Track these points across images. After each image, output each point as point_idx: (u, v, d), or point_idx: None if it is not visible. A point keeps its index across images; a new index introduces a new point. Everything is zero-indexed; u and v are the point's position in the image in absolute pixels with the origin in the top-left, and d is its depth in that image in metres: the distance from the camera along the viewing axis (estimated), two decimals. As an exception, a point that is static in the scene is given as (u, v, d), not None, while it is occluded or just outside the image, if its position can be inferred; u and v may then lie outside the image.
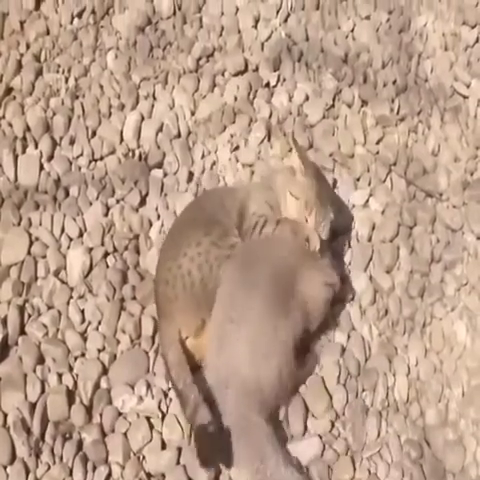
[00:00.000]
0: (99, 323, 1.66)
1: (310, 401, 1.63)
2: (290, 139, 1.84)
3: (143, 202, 1.88)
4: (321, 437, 1.59)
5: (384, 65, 2.26)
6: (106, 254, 1.76)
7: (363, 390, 1.68)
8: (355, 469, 1.57)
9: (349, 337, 1.75)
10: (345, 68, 2.22)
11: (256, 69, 2.17)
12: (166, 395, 1.57)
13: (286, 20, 2.31)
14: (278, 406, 1.59)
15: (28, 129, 1.90)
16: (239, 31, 2.26)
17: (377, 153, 2.07)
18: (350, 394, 1.66)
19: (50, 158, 1.87)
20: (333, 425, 1.62)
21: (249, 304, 1.53)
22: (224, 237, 1.63)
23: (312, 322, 1.63)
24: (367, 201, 1.99)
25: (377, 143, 2.09)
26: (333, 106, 2.14)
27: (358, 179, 2.02)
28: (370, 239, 1.92)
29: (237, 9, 2.30)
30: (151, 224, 1.84)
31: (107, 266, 1.74)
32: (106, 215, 1.83)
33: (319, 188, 1.70)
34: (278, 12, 2.31)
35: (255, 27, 2.27)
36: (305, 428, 1.60)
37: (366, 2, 2.38)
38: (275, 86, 2.16)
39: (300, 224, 1.65)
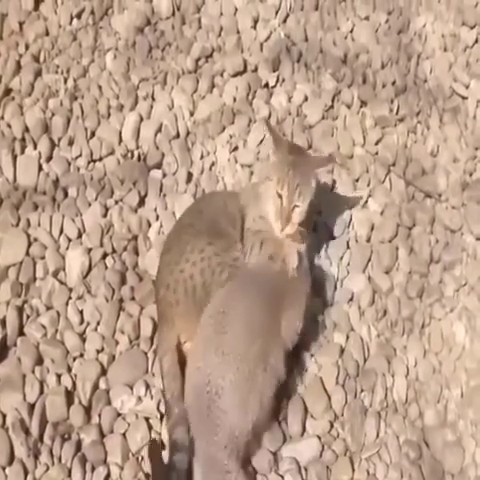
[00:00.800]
0: (98, 324, 1.66)
1: (309, 402, 1.63)
2: (263, 122, 1.83)
3: (142, 203, 1.88)
4: (320, 438, 1.59)
5: (383, 66, 2.27)
6: (105, 255, 1.76)
7: (362, 391, 1.69)
8: (354, 470, 1.58)
9: (348, 338, 1.75)
10: (344, 69, 2.23)
11: (255, 69, 2.18)
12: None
13: (285, 21, 2.32)
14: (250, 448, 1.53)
15: (27, 130, 1.90)
16: (238, 32, 2.26)
17: (376, 154, 2.07)
18: (349, 395, 1.66)
19: (49, 159, 1.87)
20: (332, 426, 1.62)
21: (236, 337, 1.48)
22: (227, 249, 1.62)
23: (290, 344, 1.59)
24: (366, 202, 1.99)
25: (376, 144, 2.10)
26: (332, 107, 2.15)
27: (357, 180, 2.02)
28: (369, 240, 1.93)
29: (236, 10, 2.30)
30: (150, 225, 1.84)
31: (106, 267, 1.74)
32: (105, 216, 1.83)
33: (294, 161, 1.64)
34: (277, 13, 2.32)
35: (254, 28, 2.28)
36: (304, 429, 1.60)
37: (365, 3, 2.39)
38: (274, 87, 2.17)
39: (279, 244, 1.63)
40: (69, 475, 1.44)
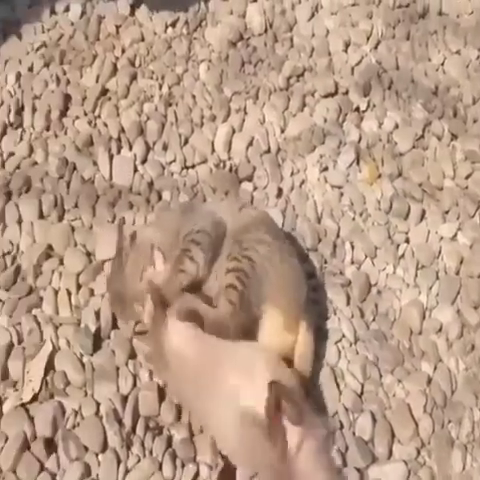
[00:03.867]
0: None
1: (396, 426, 1.77)
2: None
3: (233, 213, 2.08)
4: (406, 463, 1.75)
5: (474, 101, 2.47)
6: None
7: (449, 422, 1.83)
8: (440, 499, 1.73)
9: (435, 368, 1.92)
10: (435, 101, 2.43)
11: (346, 92, 2.39)
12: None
13: (376, 47, 2.55)
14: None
15: (123, 131, 2.13)
16: (329, 54, 2.50)
17: (466, 188, 2.26)
18: (436, 424, 1.81)
19: (144, 161, 2.10)
20: (419, 453, 1.76)
21: None
22: None
23: None
24: (455, 235, 2.17)
25: (466, 178, 2.28)
26: (423, 137, 2.35)
27: (447, 212, 2.21)
28: (458, 273, 2.10)
29: (327, 32, 2.55)
30: (242, 235, 2.04)
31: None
32: (198, 222, 2.03)
33: None
34: (368, 38, 2.56)
35: (345, 51, 2.52)
36: (390, 452, 1.76)
37: (456, 37, 2.61)
38: (365, 111, 2.38)
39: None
40: (160, 469, 1.60)
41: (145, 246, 1.78)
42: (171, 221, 1.83)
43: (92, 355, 1.76)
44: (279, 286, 1.73)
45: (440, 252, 2.13)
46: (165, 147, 2.14)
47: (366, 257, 2.08)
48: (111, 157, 2.07)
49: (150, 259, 1.76)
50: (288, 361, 1.74)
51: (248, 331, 1.69)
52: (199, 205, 1.94)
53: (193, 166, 2.13)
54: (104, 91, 2.22)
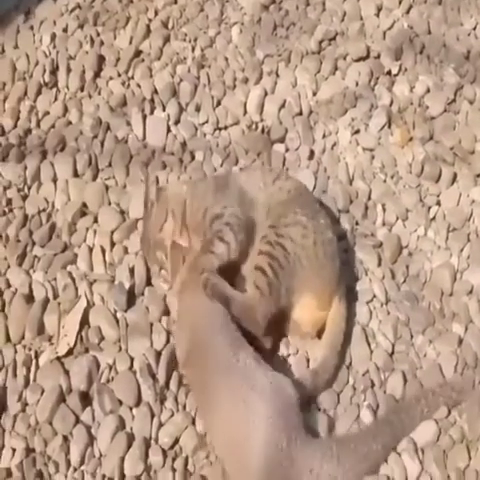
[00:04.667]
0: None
1: (427, 386, 1.75)
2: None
3: (265, 174, 2.04)
4: (437, 422, 1.71)
5: (507, 67, 2.41)
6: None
7: (480, 383, 1.80)
8: (470, 458, 1.69)
9: (466, 329, 1.87)
10: (467, 65, 2.36)
11: (378, 56, 2.33)
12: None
13: (408, 12, 2.47)
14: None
15: (156, 92, 2.11)
16: (361, 18, 2.43)
17: (498, 153, 2.20)
18: (467, 384, 1.78)
19: (177, 122, 2.07)
20: (449, 412, 1.73)
21: None
22: None
23: None
24: (487, 198, 2.12)
25: (498, 143, 2.23)
26: (454, 101, 2.28)
27: (478, 175, 2.14)
28: (489, 236, 2.05)
29: (359, -4, 2.49)
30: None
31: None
32: (230, 182, 1.99)
33: None
34: (400, 3, 2.48)
35: (377, 15, 2.44)
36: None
37: (488, 2, 2.54)
38: (396, 75, 2.32)
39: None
40: (193, 423, 1.59)
41: (171, 200, 1.77)
42: (203, 195, 1.78)
43: (126, 311, 1.75)
44: (312, 270, 1.69)
45: (471, 215, 2.08)
46: (198, 108, 2.11)
47: (397, 219, 2.03)
48: (144, 117, 2.06)
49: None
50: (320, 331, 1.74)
51: (277, 318, 1.69)
52: (233, 180, 1.84)
53: (225, 127, 2.10)
54: (137, 53, 2.20)
